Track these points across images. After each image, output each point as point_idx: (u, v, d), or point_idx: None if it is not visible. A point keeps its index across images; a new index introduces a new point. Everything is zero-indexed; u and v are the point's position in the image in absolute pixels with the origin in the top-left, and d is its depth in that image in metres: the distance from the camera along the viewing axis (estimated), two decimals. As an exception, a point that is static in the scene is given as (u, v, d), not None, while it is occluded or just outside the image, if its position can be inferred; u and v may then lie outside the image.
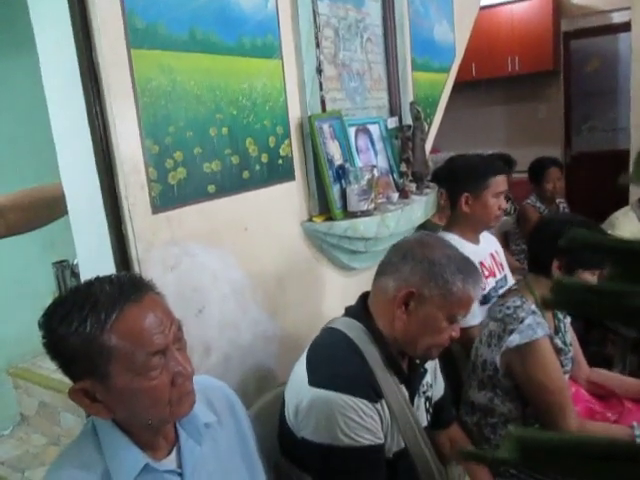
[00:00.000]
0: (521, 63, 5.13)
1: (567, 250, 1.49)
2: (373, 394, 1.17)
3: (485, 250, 2.06)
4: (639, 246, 0.29)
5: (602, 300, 0.28)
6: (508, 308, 1.53)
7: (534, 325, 1.47)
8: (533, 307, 1.52)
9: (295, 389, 1.23)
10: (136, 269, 1.27)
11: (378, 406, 1.17)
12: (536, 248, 1.65)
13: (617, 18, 4.90)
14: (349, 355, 1.20)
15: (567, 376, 1.61)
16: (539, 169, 3.46)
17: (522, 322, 1.47)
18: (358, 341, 1.22)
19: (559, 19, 5.19)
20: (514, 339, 1.47)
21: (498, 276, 2.05)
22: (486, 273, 2.01)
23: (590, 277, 1.51)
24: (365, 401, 1.14)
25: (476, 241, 2.05)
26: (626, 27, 4.13)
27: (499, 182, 1.99)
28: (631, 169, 0.31)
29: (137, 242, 1.27)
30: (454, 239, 1.98)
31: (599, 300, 0.28)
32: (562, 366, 1.54)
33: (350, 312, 1.32)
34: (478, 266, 1.96)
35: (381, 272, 1.28)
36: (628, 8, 3.97)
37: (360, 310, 1.29)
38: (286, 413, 1.24)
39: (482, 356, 1.58)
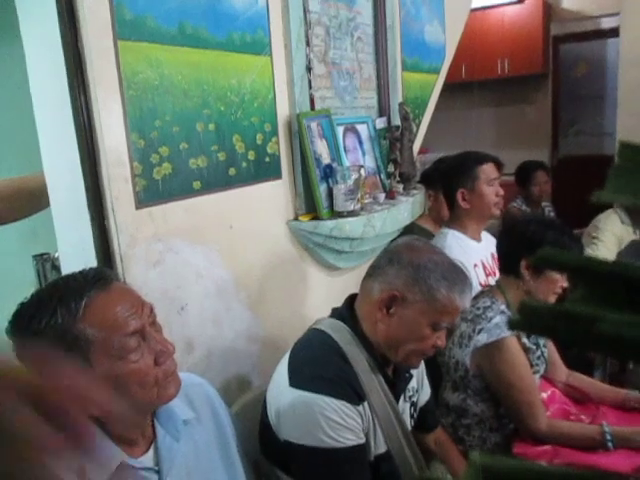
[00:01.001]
0: (511, 66, 5.15)
1: (534, 250, 1.50)
2: (355, 396, 1.16)
3: (486, 249, 2.07)
4: (606, 267, 0.28)
5: (569, 324, 0.27)
6: (478, 309, 1.55)
7: (501, 324, 1.48)
8: (503, 307, 1.54)
9: (276, 390, 1.22)
10: (118, 264, 1.25)
11: (360, 408, 1.17)
12: (505, 249, 1.66)
13: (606, 24, 4.94)
14: (332, 357, 1.20)
15: (537, 376, 1.63)
16: (526, 172, 3.48)
17: (490, 321, 1.49)
18: (342, 343, 1.21)
19: (549, 23, 5.22)
20: (481, 338, 1.49)
21: (499, 276, 2.06)
22: (487, 272, 2.02)
23: (558, 276, 1.53)
24: (346, 403, 1.14)
25: (478, 238, 2.06)
26: (615, 33, 4.18)
27: (488, 169, 2.01)
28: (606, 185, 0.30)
29: (120, 237, 1.25)
30: (456, 236, 2.00)
31: (566, 324, 0.27)
32: (531, 365, 1.55)
33: (336, 313, 1.31)
34: (479, 264, 2.00)
35: (368, 275, 1.27)
36: (617, 14, 4.01)
37: (346, 312, 1.28)
38: (268, 414, 1.24)
39: (454, 357, 1.59)
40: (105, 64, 1.20)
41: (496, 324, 1.48)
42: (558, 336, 0.29)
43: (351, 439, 1.14)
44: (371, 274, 1.26)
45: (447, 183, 2.09)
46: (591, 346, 0.30)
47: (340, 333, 1.23)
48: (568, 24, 5.22)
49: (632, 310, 0.27)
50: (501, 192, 2.02)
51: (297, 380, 1.17)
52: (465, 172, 2.01)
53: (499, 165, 2.02)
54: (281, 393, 1.19)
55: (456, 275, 1.19)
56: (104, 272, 0.96)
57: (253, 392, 1.51)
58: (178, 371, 0.99)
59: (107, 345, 0.87)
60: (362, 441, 1.17)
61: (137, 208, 1.29)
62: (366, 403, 1.19)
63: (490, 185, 1.99)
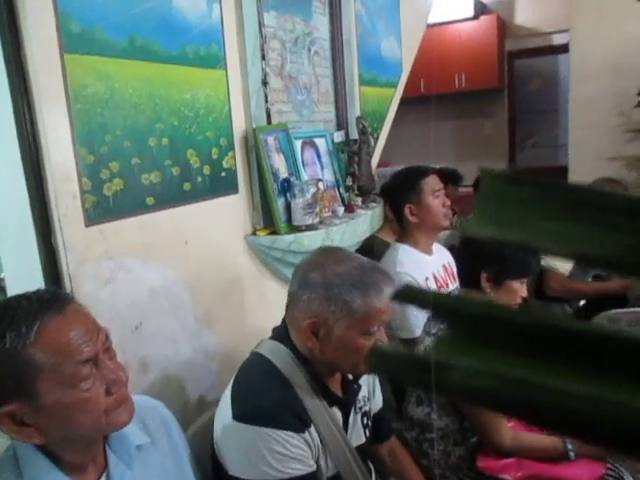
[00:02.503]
0: (468, 80, 5.27)
1: (494, 262, 1.53)
2: (299, 424, 1.13)
3: (438, 261, 2.09)
4: (468, 306, 0.28)
5: (420, 371, 0.26)
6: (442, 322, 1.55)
7: None
8: None
9: (222, 421, 1.18)
10: (67, 284, 1.21)
11: (305, 435, 1.14)
12: (464, 263, 1.68)
13: (557, 40, 5.11)
14: (273, 384, 1.16)
15: None
16: (484, 184, 3.54)
17: None
18: (283, 368, 1.18)
19: (503, 39, 5.37)
20: None
21: (451, 287, 2.08)
22: (439, 284, 2.03)
23: (518, 286, 1.56)
24: (290, 432, 1.11)
25: (429, 252, 2.08)
26: (565, 49, 4.32)
27: (431, 181, 2.04)
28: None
29: (68, 255, 1.21)
30: (407, 250, 2.01)
31: (416, 371, 0.26)
32: None
33: (276, 335, 1.28)
34: (431, 277, 2.01)
35: (288, 303, 1.24)
36: (567, 30, 4.15)
37: (285, 333, 1.25)
38: (215, 444, 1.20)
39: None
40: (51, 77, 1.16)
41: None
42: (410, 382, 0.28)
43: (298, 469, 1.11)
44: (290, 302, 1.23)
45: (394, 200, 2.10)
46: (445, 392, 0.29)
47: (280, 357, 1.20)
48: (521, 40, 5.38)
49: (498, 349, 0.26)
50: (447, 202, 2.06)
51: (239, 413, 1.14)
52: (410, 187, 2.03)
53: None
54: (225, 426, 1.16)
55: (366, 278, 1.15)
56: (60, 294, 0.92)
57: (211, 412, 1.47)
58: (132, 393, 0.96)
59: (58, 372, 0.83)
60: (311, 469, 1.15)
61: (87, 225, 1.25)
62: (312, 428, 1.16)
63: (436, 197, 2.02)
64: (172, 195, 1.45)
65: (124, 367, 0.93)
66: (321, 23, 2.12)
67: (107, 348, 0.92)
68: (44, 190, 1.18)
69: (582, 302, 2.73)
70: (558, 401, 0.23)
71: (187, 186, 1.49)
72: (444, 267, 2.11)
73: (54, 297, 0.89)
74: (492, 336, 0.26)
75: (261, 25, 1.73)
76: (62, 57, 1.18)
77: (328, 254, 1.23)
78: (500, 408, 0.28)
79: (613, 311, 2.13)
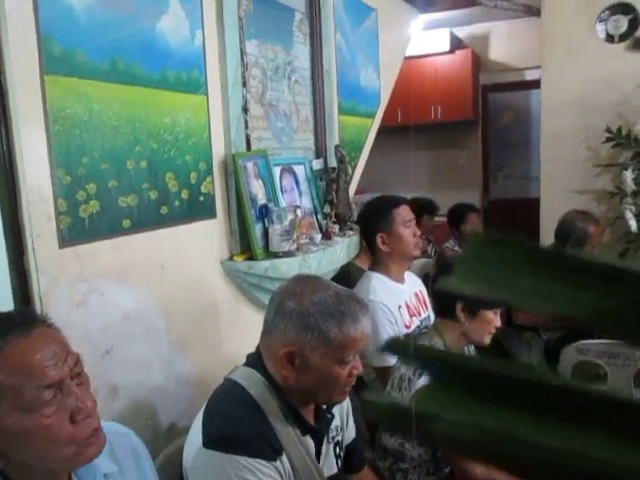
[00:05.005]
0: (443, 112, 5.39)
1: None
2: (271, 452, 1.12)
3: (410, 290, 2.11)
4: (454, 360, 0.28)
5: (403, 421, 0.27)
6: None
7: None
8: (442, 349, 1.56)
9: (191, 448, 1.16)
10: (38, 306, 1.19)
11: (277, 463, 1.13)
12: (440, 294, 1.70)
13: (529, 76, 5.28)
14: (245, 412, 1.15)
15: None
16: (458, 214, 3.60)
17: None
18: (257, 395, 1.17)
19: (478, 73, 5.52)
20: (422, 381, 1.49)
21: (422, 315, 2.09)
22: (411, 312, 2.04)
23: (492, 316, 1.58)
24: (262, 460, 1.09)
25: (402, 280, 2.09)
26: (537, 84, 4.46)
27: (402, 212, 2.05)
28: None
29: (40, 276, 1.19)
30: (380, 279, 2.02)
31: (405, 421, 0.27)
32: None
33: (250, 361, 1.26)
34: (403, 305, 2.02)
35: (264, 331, 1.23)
36: (539, 67, 4.28)
37: (258, 360, 1.23)
38: (184, 473, 1.17)
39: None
40: (30, 98, 1.16)
41: None
42: (398, 431, 0.29)
43: None
44: (265, 330, 1.22)
45: (366, 228, 2.12)
46: (430, 442, 0.30)
47: (254, 384, 1.19)
48: (495, 75, 5.55)
49: (481, 400, 0.27)
50: (418, 232, 2.08)
51: (210, 440, 1.12)
52: (382, 216, 2.04)
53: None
54: (196, 453, 1.13)
55: (342, 307, 1.15)
56: (29, 314, 0.90)
57: (182, 439, 1.44)
58: (102, 419, 0.93)
59: (17, 396, 0.80)
60: None
61: (61, 247, 1.23)
62: (284, 457, 1.15)
63: (407, 227, 2.04)
64: (149, 218, 1.44)
65: (93, 396, 0.90)
66: (302, 52, 2.16)
67: (77, 374, 0.88)
68: (17, 209, 1.16)
69: (551, 333, 2.76)
70: (536, 454, 0.24)
71: (164, 210, 1.49)
72: (416, 295, 2.13)
73: (22, 317, 0.87)
74: (475, 388, 0.27)
75: (243, 53, 1.76)
76: (42, 78, 1.18)
77: (304, 282, 1.22)
78: (482, 459, 0.29)
79: (582, 342, 2.16)
